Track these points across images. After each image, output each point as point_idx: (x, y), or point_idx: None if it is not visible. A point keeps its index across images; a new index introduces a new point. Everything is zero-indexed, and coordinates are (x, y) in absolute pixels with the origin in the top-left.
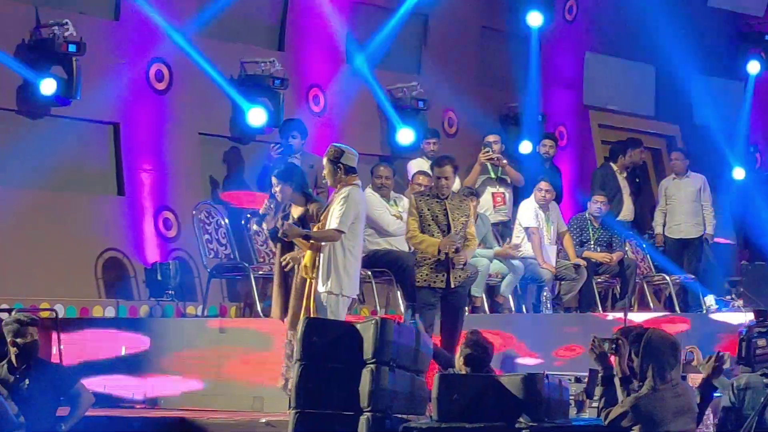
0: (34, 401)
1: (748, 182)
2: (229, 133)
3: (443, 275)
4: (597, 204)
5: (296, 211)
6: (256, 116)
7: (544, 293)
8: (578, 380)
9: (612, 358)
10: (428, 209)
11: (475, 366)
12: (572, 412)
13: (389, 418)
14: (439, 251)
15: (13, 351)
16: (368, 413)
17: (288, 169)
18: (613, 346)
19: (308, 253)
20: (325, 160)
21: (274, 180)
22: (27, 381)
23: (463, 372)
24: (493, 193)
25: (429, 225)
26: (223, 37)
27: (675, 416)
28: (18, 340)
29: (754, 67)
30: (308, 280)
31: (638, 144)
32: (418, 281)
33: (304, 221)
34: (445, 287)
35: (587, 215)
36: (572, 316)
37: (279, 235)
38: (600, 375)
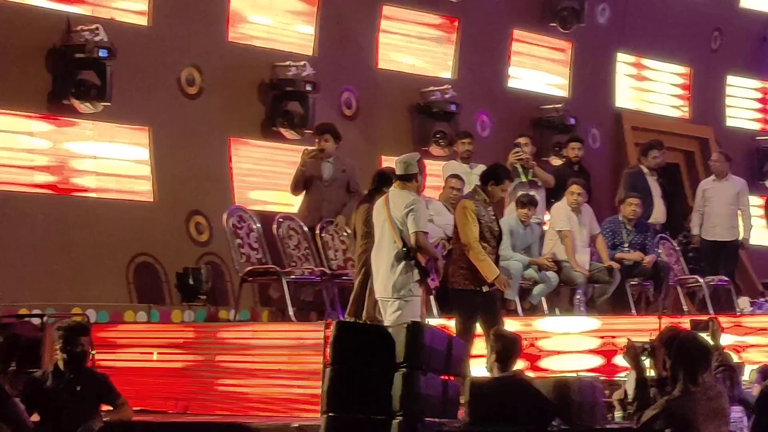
0: (81, 410)
1: None
2: (261, 137)
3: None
4: (631, 206)
5: None
6: (287, 120)
7: (577, 296)
8: (613, 383)
9: (646, 361)
10: (486, 213)
11: (505, 362)
12: (618, 413)
13: (421, 422)
14: (492, 282)
15: (61, 357)
16: (400, 417)
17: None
18: (647, 349)
19: None
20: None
21: None
22: (78, 388)
23: (494, 369)
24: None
25: (486, 232)
26: (255, 42)
27: (707, 419)
28: (69, 348)
29: None
30: None
31: (658, 146)
32: (459, 284)
33: None
34: (487, 289)
35: (620, 218)
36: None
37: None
38: (635, 378)
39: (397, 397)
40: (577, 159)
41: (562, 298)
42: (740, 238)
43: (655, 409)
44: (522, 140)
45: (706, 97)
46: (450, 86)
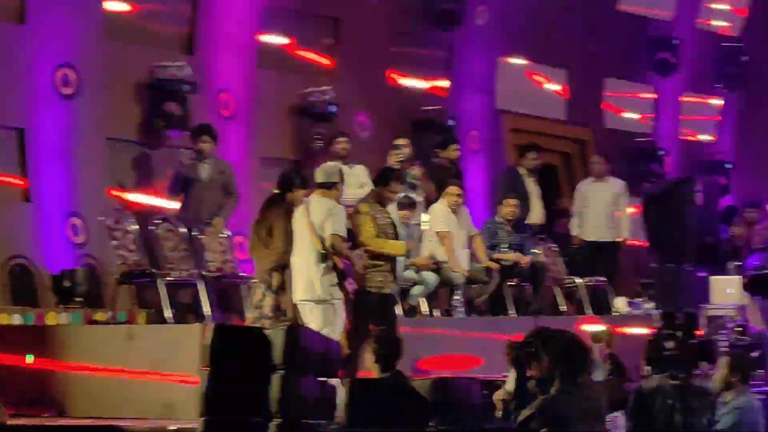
0: None
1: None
2: (138, 137)
3: (392, 280)
4: (509, 207)
5: None
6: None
7: (456, 297)
8: (492, 383)
9: (526, 362)
10: (381, 215)
11: (385, 363)
12: (499, 413)
13: (299, 424)
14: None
15: None
16: (277, 419)
17: None
18: (529, 349)
19: None
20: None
21: None
22: None
23: (373, 370)
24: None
25: (381, 234)
26: (132, 41)
27: (582, 419)
28: None
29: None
30: None
31: (536, 147)
32: (371, 288)
33: None
34: (388, 292)
35: (499, 219)
36: (484, 320)
37: None
38: (515, 378)
39: (274, 399)
40: (454, 160)
41: (440, 299)
42: (619, 238)
43: (531, 408)
44: (401, 141)
45: (584, 99)
46: (330, 87)
